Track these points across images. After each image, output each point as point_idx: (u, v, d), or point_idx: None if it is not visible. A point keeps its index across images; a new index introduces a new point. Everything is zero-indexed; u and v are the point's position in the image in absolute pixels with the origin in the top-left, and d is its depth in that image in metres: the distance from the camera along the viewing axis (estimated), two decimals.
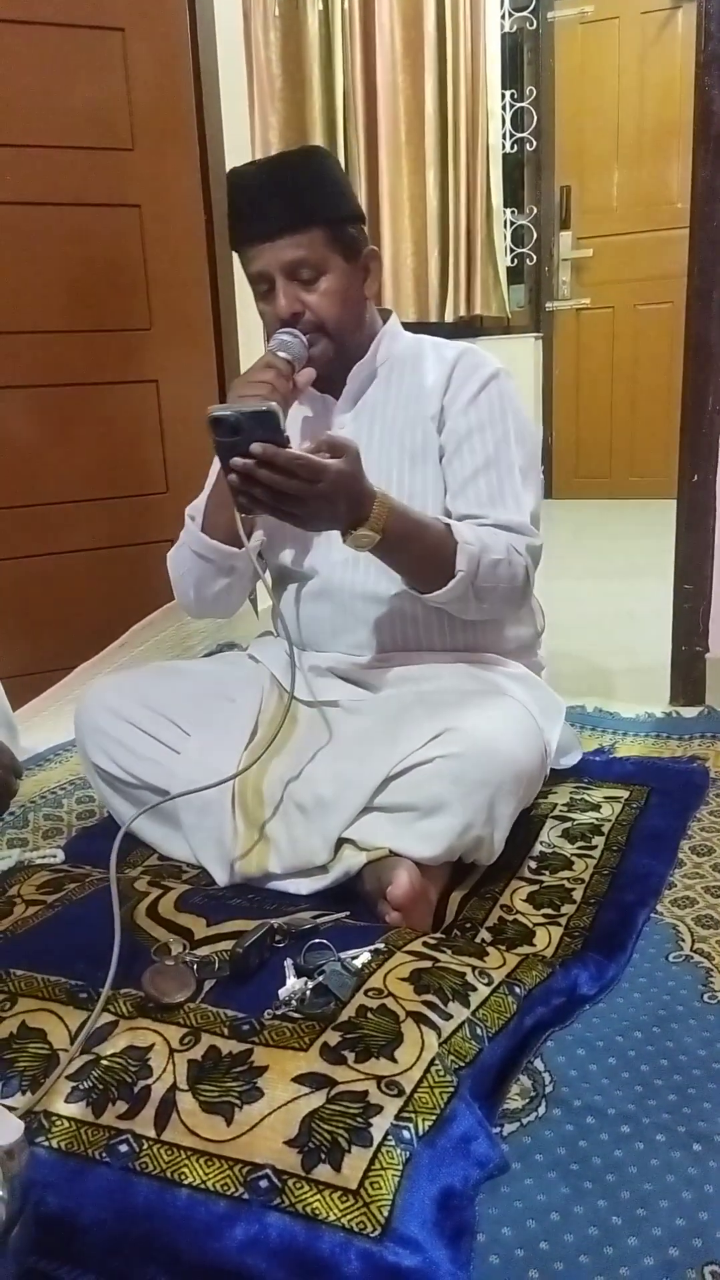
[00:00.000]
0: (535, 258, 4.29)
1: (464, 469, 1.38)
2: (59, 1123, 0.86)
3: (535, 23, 4.10)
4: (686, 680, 2.00)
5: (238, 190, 1.33)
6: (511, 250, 4.27)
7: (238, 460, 1.10)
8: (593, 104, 4.17)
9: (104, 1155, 0.82)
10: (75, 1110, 0.86)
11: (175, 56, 2.34)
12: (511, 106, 4.14)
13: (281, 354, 1.30)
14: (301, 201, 1.30)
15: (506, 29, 4.07)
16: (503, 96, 4.09)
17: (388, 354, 1.44)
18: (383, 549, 1.21)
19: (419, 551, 1.25)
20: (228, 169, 1.36)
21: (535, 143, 4.18)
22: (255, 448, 1.08)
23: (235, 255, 1.39)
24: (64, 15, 2.20)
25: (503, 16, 4.04)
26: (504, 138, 4.13)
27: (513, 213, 4.25)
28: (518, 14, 4.09)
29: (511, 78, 4.13)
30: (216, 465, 1.36)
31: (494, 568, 1.29)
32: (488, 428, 1.38)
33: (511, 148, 4.18)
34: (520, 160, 4.23)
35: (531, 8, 4.07)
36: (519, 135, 4.17)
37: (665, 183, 4.01)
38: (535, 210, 4.25)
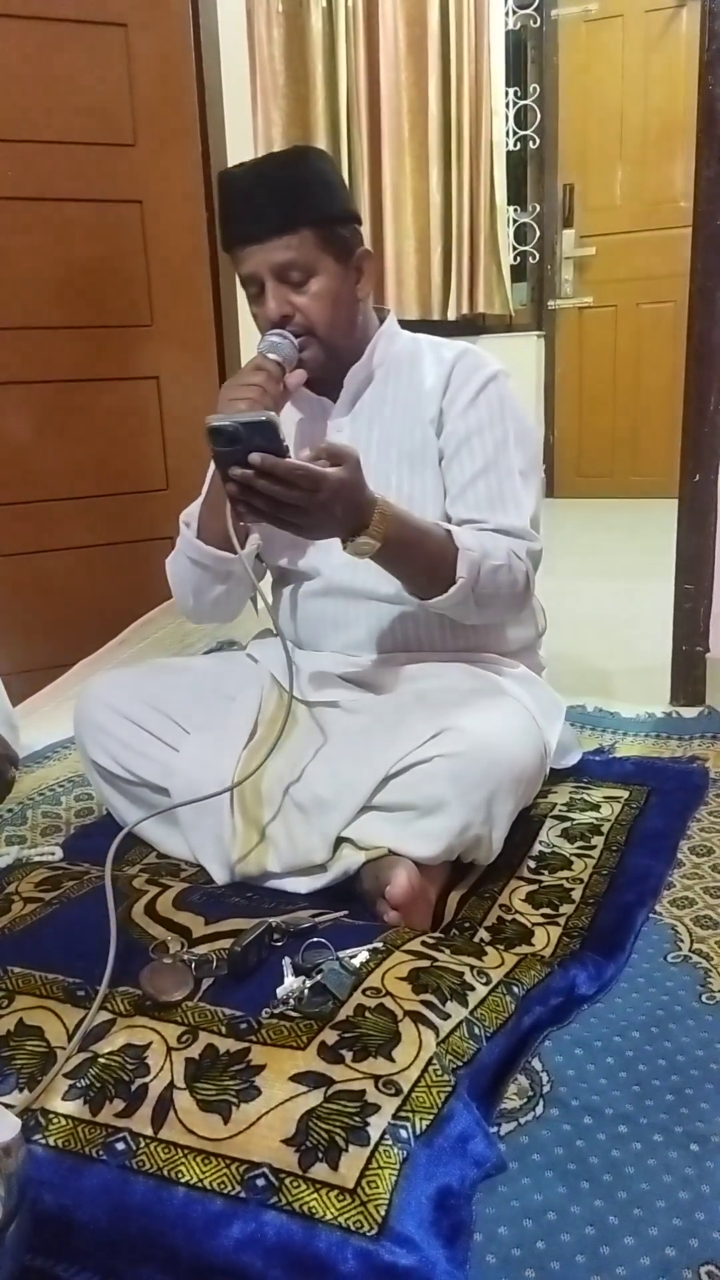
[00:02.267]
0: (538, 256, 4.28)
1: (463, 473, 1.37)
2: (56, 1120, 0.86)
3: (539, 20, 4.09)
4: (687, 680, 2.00)
5: (227, 191, 1.31)
6: (514, 248, 4.26)
7: (236, 470, 1.08)
8: (596, 102, 4.17)
9: (101, 1153, 0.82)
10: (72, 1108, 0.86)
11: (178, 52, 2.34)
12: (515, 104, 4.13)
13: (271, 355, 1.27)
14: (290, 202, 1.28)
15: (510, 26, 4.06)
16: (506, 94, 4.08)
17: (385, 355, 1.42)
18: (383, 556, 1.20)
19: (420, 558, 1.24)
20: (230, 165, 1.36)
21: (538, 140, 4.17)
22: (254, 458, 1.06)
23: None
24: (66, 10, 2.20)
25: (506, 14, 4.03)
26: (507, 135, 4.12)
27: (516, 210, 4.24)
28: (521, 11, 4.08)
29: (515, 75, 4.12)
30: (212, 470, 1.35)
31: (495, 573, 1.28)
32: (486, 430, 1.37)
33: (515, 145, 4.17)
34: (523, 158, 4.22)
35: (535, 5, 4.06)
36: (522, 133, 4.17)
37: (669, 181, 4.00)
38: (538, 208, 4.24)
